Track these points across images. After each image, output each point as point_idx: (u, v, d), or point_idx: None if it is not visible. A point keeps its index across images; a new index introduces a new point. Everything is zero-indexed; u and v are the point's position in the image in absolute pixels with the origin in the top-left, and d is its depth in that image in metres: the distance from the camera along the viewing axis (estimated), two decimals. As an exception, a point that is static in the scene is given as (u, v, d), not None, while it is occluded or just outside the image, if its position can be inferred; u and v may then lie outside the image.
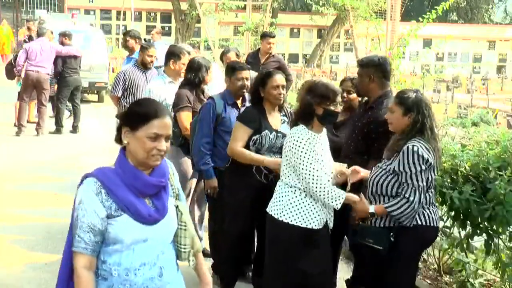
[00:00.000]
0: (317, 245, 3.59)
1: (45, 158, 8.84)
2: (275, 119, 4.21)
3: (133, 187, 2.31)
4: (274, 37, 8.09)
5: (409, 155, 3.38)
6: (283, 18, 25.87)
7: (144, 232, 2.31)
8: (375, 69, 4.04)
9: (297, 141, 3.52)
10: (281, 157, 3.95)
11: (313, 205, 3.55)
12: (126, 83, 6.65)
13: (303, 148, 3.49)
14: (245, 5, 17.67)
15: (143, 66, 6.71)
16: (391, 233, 3.48)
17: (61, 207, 6.52)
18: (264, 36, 8.10)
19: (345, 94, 4.39)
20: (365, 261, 3.82)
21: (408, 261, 3.60)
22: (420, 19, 7.86)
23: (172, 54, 5.50)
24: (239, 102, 4.60)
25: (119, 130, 2.37)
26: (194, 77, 4.97)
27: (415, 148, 3.38)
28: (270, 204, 3.69)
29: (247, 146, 4.10)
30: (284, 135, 4.11)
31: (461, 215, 4.08)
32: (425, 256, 5.01)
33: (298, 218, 3.54)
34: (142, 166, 2.34)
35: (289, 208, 3.56)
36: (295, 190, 3.57)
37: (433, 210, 3.57)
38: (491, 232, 3.98)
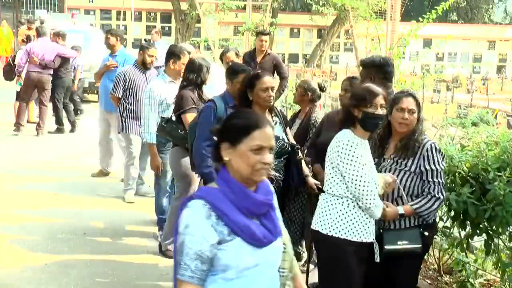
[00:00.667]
0: (367, 260, 3.38)
1: (45, 158, 8.84)
2: None
3: (243, 207, 2.13)
4: (267, 34, 8.02)
5: (434, 153, 3.45)
6: (283, 18, 25.85)
7: (255, 257, 2.14)
8: (376, 70, 4.06)
9: (345, 144, 3.29)
10: (279, 160, 3.92)
11: (363, 217, 3.32)
12: (126, 83, 6.67)
13: (350, 151, 3.27)
14: (245, 5, 17.65)
15: (143, 66, 6.72)
16: (421, 229, 3.49)
17: (61, 207, 6.53)
18: (257, 34, 8.11)
19: (342, 92, 4.43)
20: (370, 263, 3.78)
21: (421, 258, 3.67)
22: (420, 19, 7.84)
23: (172, 54, 5.51)
24: None
25: (216, 147, 2.20)
26: (196, 77, 4.96)
27: (437, 146, 3.50)
28: (315, 219, 3.43)
29: None
30: (278, 138, 4.03)
31: (461, 215, 4.08)
32: (425, 256, 5.02)
33: (349, 231, 3.29)
34: (246, 183, 2.16)
35: (338, 222, 3.30)
36: (343, 202, 3.32)
37: None
38: (491, 232, 3.98)
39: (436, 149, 3.45)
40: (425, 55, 21.72)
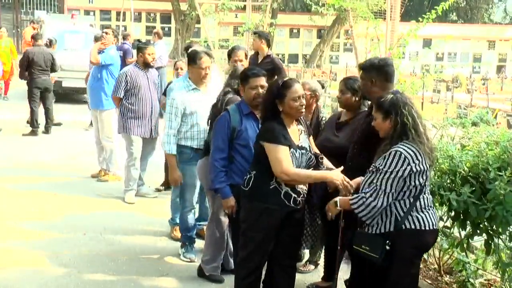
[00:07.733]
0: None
1: (45, 158, 8.84)
2: (294, 132, 3.84)
3: None
4: (256, 34, 7.77)
5: (391, 155, 3.35)
6: (283, 19, 25.86)
7: None
8: (377, 72, 4.01)
9: None
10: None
11: None
12: (128, 84, 6.66)
13: None
14: (244, 6, 17.65)
15: (145, 65, 6.73)
16: (387, 241, 3.39)
17: (61, 207, 6.53)
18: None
19: (339, 94, 4.44)
20: (362, 265, 3.76)
21: (404, 266, 3.49)
22: (420, 19, 7.84)
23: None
24: (257, 111, 4.17)
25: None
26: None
27: (400, 150, 3.35)
28: None
29: (270, 168, 3.69)
30: (307, 150, 3.84)
31: (461, 215, 4.08)
32: (425, 256, 5.01)
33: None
34: None
35: None
36: None
37: (429, 213, 3.48)
38: (491, 232, 3.98)
39: (395, 152, 3.34)
40: (425, 55, 21.76)
